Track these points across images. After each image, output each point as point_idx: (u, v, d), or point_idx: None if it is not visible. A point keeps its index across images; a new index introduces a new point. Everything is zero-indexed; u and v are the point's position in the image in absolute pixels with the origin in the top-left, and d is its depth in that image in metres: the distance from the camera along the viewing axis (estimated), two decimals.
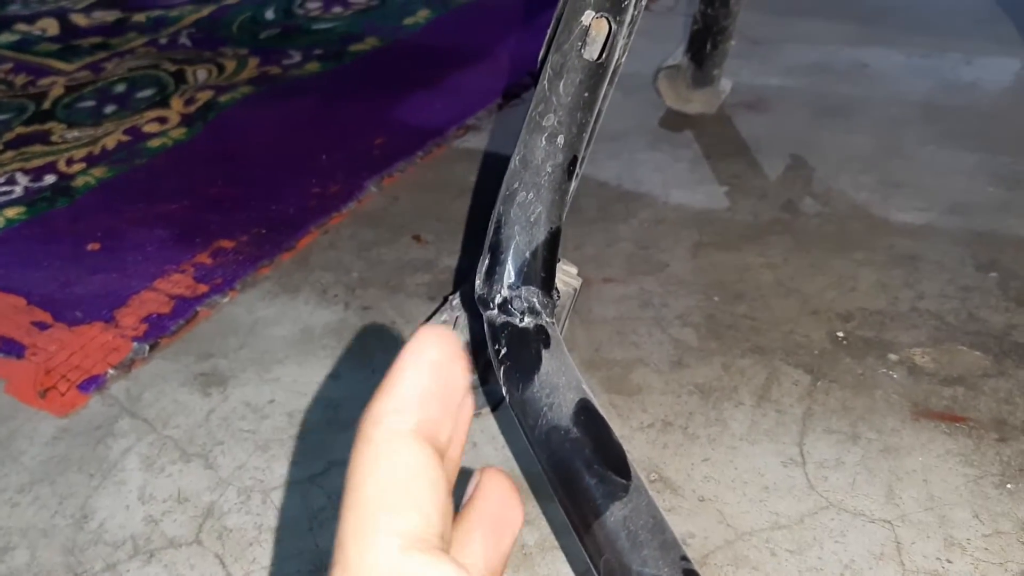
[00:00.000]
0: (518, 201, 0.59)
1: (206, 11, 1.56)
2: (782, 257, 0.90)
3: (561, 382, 0.52)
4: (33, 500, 0.69)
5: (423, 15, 1.49)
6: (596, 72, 0.62)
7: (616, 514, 0.45)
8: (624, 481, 0.46)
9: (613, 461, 0.47)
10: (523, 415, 0.52)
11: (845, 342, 0.79)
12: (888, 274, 0.86)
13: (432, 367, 0.25)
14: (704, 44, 1.10)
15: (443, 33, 1.43)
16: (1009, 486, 0.65)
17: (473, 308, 0.67)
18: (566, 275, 0.67)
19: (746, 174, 1.05)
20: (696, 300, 0.86)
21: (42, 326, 0.85)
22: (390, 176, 1.07)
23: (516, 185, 0.59)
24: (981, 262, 0.87)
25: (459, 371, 0.25)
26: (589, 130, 0.63)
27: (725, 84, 1.17)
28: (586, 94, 0.62)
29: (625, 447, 0.69)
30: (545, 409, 0.50)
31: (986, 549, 0.61)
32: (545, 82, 0.63)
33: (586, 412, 0.50)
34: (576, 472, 0.47)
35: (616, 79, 0.68)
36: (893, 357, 0.77)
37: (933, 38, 1.32)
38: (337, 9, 1.54)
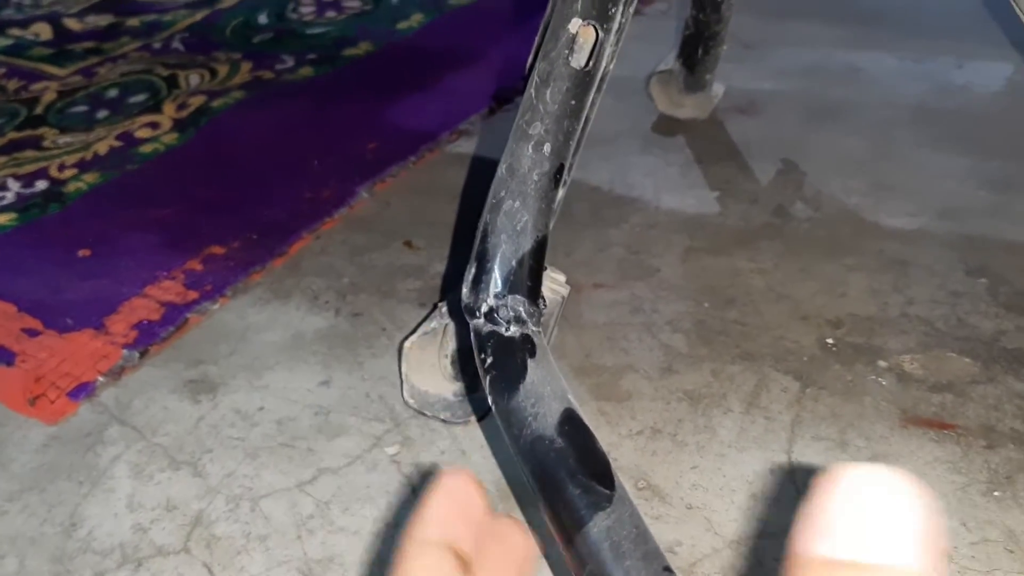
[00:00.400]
0: (504, 210, 0.59)
1: (199, 15, 1.56)
2: (772, 262, 0.91)
3: (546, 391, 0.52)
4: (22, 508, 0.69)
5: (416, 19, 1.49)
6: (583, 80, 0.62)
7: (599, 525, 0.45)
8: (608, 491, 0.46)
9: (597, 471, 0.47)
10: (508, 424, 0.52)
11: (835, 348, 0.79)
12: (878, 279, 0.86)
13: (450, 495, 0.31)
14: (696, 49, 1.11)
15: (436, 37, 1.43)
16: (996, 494, 0.65)
17: (461, 316, 0.67)
18: (554, 283, 0.67)
19: (737, 179, 1.05)
20: (686, 306, 0.86)
21: (32, 333, 0.85)
22: (382, 181, 1.07)
23: (502, 194, 0.59)
24: (971, 267, 0.88)
25: (474, 495, 0.32)
26: (576, 138, 0.63)
27: (717, 88, 1.18)
28: (573, 102, 0.62)
29: (613, 455, 0.69)
30: (530, 419, 0.50)
31: (973, 557, 0.61)
32: (532, 90, 0.63)
33: (571, 422, 0.50)
34: (560, 482, 0.47)
35: (604, 86, 0.69)
36: (882, 364, 0.77)
37: (925, 42, 1.32)
38: (330, 14, 1.54)
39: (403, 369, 0.74)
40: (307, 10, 1.55)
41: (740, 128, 1.15)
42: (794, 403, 0.74)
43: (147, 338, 0.84)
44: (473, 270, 0.59)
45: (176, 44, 1.46)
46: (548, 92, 0.61)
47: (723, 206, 1.00)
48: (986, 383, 0.75)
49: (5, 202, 1.06)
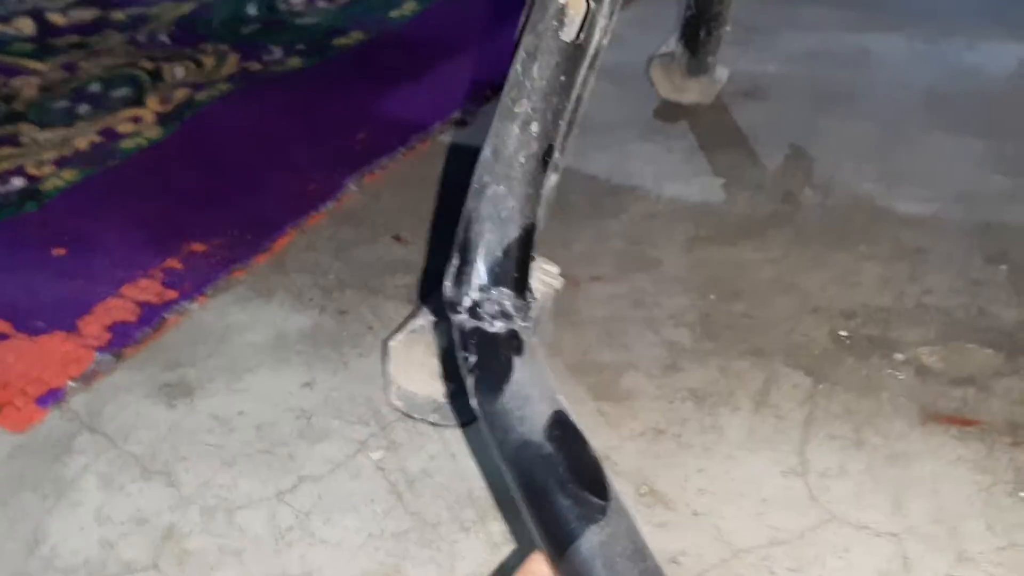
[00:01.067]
0: (488, 195, 0.54)
1: (186, 8, 1.52)
2: (781, 251, 0.86)
3: (534, 393, 0.47)
4: None
5: (409, 8, 1.44)
6: (573, 54, 0.58)
7: (592, 540, 0.40)
8: (601, 502, 0.42)
9: (589, 480, 0.43)
10: (492, 429, 0.47)
11: (848, 341, 0.74)
12: (893, 268, 0.82)
13: None
14: (698, 31, 1.06)
15: (430, 25, 1.39)
16: (1023, 494, 0.61)
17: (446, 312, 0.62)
18: (546, 275, 0.63)
19: (743, 165, 1.01)
20: (691, 299, 0.81)
21: (1, 337, 0.81)
22: (371, 173, 1.02)
23: (486, 178, 0.55)
24: (990, 254, 0.83)
25: None
26: (566, 117, 0.59)
27: (722, 72, 1.13)
28: (562, 77, 0.57)
29: (613, 458, 0.65)
30: (516, 423, 0.46)
31: (1000, 564, 0.57)
32: (518, 66, 0.58)
33: (560, 426, 0.46)
34: (548, 492, 0.43)
35: (597, 63, 0.64)
36: (899, 357, 0.72)
37: (935, 23, 1.27)
38: (321, 4, 1.49)
39: (389, 370, 0.69)
40: (297, 1, 1.51)
41: (746, 113, 1.10)
42: (806, 400, 0.69)
43: (122, 340, 0.80)
44: (455, 262, 0.54)
45: (162, 37, 1.42)
46: (535, 67, 0.57)
47: (729, 194, 0.96)
48: (1010, 375, 0.70)
49: None
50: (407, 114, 1.13)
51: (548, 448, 0.44)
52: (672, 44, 1.10)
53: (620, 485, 0.61)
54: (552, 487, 0.43)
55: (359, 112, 1.15)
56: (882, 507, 0.60)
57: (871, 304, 0.78)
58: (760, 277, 0.83)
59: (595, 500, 0.42)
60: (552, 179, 0.66)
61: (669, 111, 1.11)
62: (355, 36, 1.36)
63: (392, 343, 0.68)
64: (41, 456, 0.70)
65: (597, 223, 0.92)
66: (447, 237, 0.90)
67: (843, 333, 0.75)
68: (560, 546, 0.41)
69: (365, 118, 1.13)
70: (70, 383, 0.76)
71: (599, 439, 0.66)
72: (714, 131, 1.07)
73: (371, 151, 1.06)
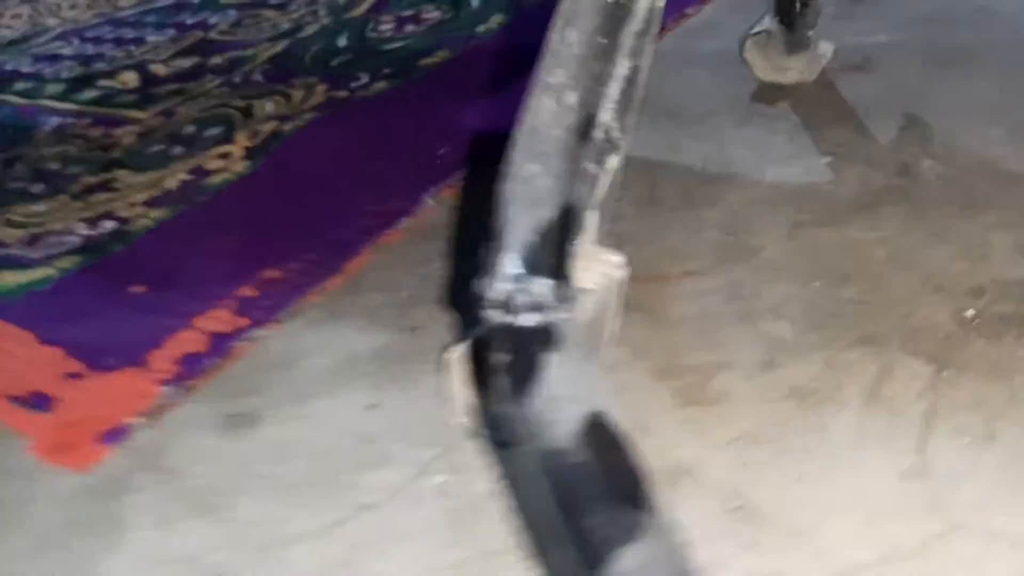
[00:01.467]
0: (519, 176, 0.48)
1: (280, 47, 1.52)
2: (897, 228, 0.76)
3: (569, 393, 0.41)
4: (40, 570, 0.62)
5: (496, 21, 1.41)
6: (614, 13, 0.52)
7: (627, 563, 0.33)
8: (639, 519, 0.35)
9: (627, 492, 0.36)
10: (519, 437, 0.41)
11: (976, 322, 0.65)
12: None
13: None
14: (792, 3, 0.98)
15: (516, 36, 1.35)
16: None
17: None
18: (603, 264, 0.56)
19: (853, 141, 0.91)
20: (793, 287, 0.73)
21: (75, 377, 0.79)
22: (450, 187, 0.98)
23: (518, 157, 0.49)
24: None
25: None
26: (611, 85, 0.52)
27: (825, 47, 1.04)
28: (602, 40, 0.51)
29: (697, 471, 0.57)
30: (545, 427, 0.39)
31: None
32: (554, 35, 0.52)
33: (597, 430, 0.39)
34: (575, 508, 0.36)
35: (652, 29, 0.57)
36: None
37: None
38: (410, 27, 1.47)
39: (451, 383, 0.63)
40: (386, 27, 1.49)
41: (854, 87, 1.00)
42: (927, 390, 0.60)
43: (190, 372, 0.77)
44: (487, 251, 0.48)
45: (256, 76, 1.42)
46: (572, 32, 0.51)
47: (837, 172, 0.87)
48: None
49: (70, 246, 1.02)
50: (490, 124, 1.09)
51: (579, 456, 0.38)
52: (767, 22, 1.02)
53: (705, 501, 0.53)
54: (582, 503, 0.36)
55: (441, 128, 1.11)
56: (1019, 511, 0.51)
57: (1002, 278, 0.68)
58: (872, 258, 0.73)
59: (632, 517, 0.35)
60: (611, 160, 0.59)
61: (769, 93, 1.02)
62: (441, 55, 1.33)
63: (453, 355, 0.63)
64: (102, 495, 0.67)
65: (690, 215, 0.84)
66: None
67: (970, 313, 0.65)
68: (591, 572, 0.34)
69: (447, 133, 1.09)
70: (136, 419, 0.73)
71: (683, 450, 0.59)
72: (819, 109, 0.98)
73: (452, 165, 1.01)
